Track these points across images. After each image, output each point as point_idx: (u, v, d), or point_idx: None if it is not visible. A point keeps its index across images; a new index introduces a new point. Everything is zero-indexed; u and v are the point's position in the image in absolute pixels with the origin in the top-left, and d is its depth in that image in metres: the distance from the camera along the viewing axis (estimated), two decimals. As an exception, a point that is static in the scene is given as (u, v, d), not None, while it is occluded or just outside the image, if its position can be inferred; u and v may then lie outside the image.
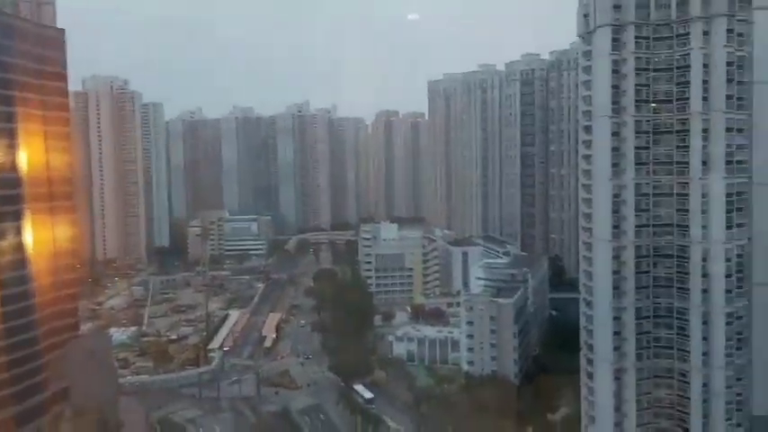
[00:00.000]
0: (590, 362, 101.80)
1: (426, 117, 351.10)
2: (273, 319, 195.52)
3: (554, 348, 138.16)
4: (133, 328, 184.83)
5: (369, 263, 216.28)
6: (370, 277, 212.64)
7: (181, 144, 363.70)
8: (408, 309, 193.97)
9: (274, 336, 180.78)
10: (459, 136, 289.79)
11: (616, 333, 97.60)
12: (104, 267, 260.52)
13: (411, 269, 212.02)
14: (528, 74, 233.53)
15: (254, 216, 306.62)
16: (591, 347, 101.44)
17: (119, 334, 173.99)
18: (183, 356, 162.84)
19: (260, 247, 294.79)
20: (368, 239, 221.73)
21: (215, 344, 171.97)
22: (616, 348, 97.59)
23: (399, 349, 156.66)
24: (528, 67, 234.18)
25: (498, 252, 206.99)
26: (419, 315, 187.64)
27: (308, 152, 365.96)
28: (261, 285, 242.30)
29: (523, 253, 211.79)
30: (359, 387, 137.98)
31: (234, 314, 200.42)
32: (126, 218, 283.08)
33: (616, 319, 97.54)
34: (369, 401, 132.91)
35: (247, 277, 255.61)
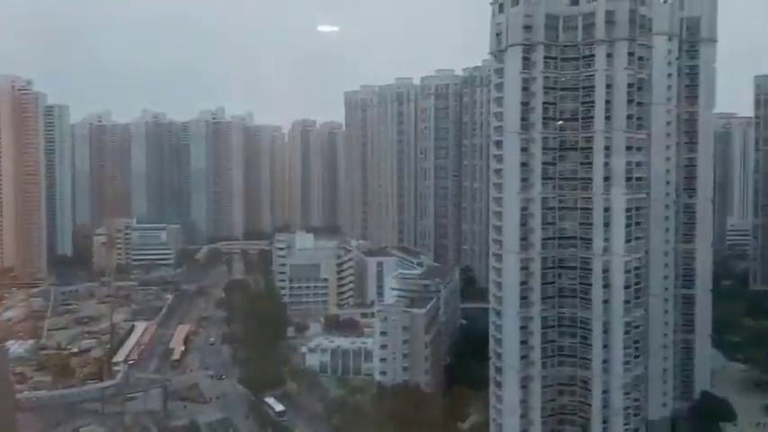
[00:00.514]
0: (498, 370, 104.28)
1: (343, 128, 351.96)
2: (182, 331, 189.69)
3: (464, 357, 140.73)
4: (31, 341, 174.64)
5: (283, 273, 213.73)
6: (283, 288, 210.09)
7: (87, 148, 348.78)
8: (322, 320, 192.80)
9: (183, 348, 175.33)
10: (375, 147, 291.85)
11: (523, 342, 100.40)
12: (0, 277, 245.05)
13: (326, 280, 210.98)
14: (442, 89, 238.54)
15: (164, 224, 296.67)
16: (499, 356, 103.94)
17: (16, 347, 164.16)
18: (86, 370, 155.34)
19: (169, 256, 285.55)
20: (282, 249, 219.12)
21: (120, 357, 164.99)
22: (523, 357, 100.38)
23: (312, 360, 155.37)
24: (442, 82, 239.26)
25: (412, 263, 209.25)
26: (333, 326, 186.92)
27: (223, 159, 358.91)
28: (169, 296, 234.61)
29: (437, 264, 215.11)
30: (270, 400, 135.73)
31: (140, 326, 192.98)
32: (26, 225, 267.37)
33: (523, 328, 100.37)
34: (280, 414, 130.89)
35: (155, 288, 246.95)
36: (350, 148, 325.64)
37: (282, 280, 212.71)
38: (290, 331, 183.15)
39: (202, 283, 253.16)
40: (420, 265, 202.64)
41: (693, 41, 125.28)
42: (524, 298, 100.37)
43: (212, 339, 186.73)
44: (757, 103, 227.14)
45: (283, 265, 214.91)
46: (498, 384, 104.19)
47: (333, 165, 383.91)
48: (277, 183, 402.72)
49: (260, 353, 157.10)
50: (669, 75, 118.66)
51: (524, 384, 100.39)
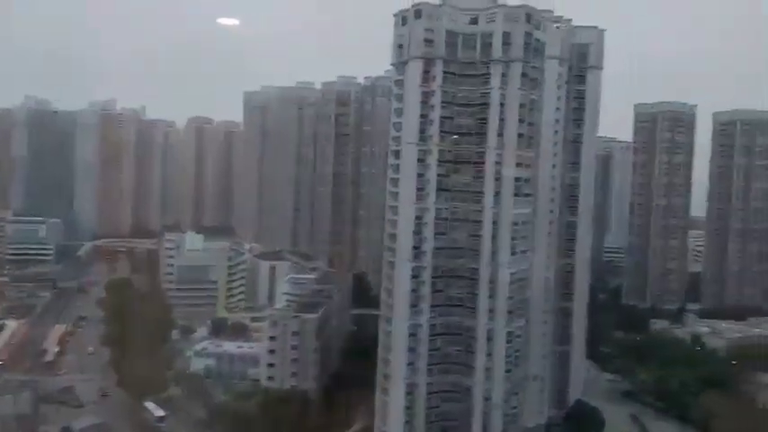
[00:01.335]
0: (386, 377, 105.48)
1: (241, 127, 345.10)
2: (58, 330, 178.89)
3: (353, 364, 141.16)
4: None
5: (170, 274, 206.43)
6: (170, 289, 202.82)
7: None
8: (209, 323, 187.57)
9: (57, 349, 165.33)
10: (273, 149, 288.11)
11: (411, 349, 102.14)
12: None
13: (215, 282, 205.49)
14: (344, 95, 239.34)
15: (43, 218, 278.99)
16: (387, 363, 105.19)
17: None
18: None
19: (47, 252, 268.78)
20: (171, 249, 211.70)
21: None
22: (410, 364, 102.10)
23: (197, 365, 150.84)
24: (344, 88, 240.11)
25: (306, 268, 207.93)
26: (221, 330, 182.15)
27: (111, 153, 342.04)
28: (45, 294, 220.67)
29: (331, 270, 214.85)
30: (150, 404, 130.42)
31: (11, 325, 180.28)
32: None
33: (411, 336, 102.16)
34: (160, 419, 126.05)
35: (30, 285, 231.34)
36: (247, 148, 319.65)
37: (169, 281, 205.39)
38: (175, 334, 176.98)
39: (83, 282, 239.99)
40: (314, 270, 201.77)
41: (582, 67, 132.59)
42: (414, 306, 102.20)
43: (90, 340, 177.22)
44: (636, 130, 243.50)
45: (171, 265, 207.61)
46: (385, 391, 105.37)
47: (228, 165, 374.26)
48: (168, 180, 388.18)
49: (141, 355, 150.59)
50: (558, 98, 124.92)
51: (410, 391, 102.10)
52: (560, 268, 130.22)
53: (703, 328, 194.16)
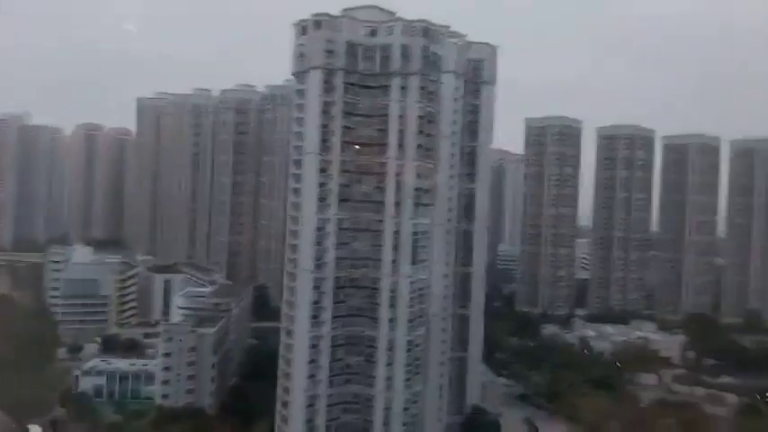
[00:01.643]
0: (286, 390, 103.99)
1: (134, 135, 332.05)
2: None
3: (253, 378, 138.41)
4: None
5: (56, 289, 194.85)
6: (56, 305, 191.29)
7: None
8: (99, 340, 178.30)
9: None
10: (168, 158, 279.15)
11: (312, 361, 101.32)
12: None
13: (106, 297, 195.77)
14: (243, 103, 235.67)
15: None
16: (288, 376, 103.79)
17: None
18: None
19: None
20: (57, 263, 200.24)
21: None
22: (311, 376, 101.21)
23: (86, 384, 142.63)
24: (243, 96, 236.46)
25: (203, 280, 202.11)
26: (112, 347, 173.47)
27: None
28: None
29: (229, 282, 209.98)
30: (34, 427, 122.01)
31: None
32: None
33: (313, 347, 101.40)
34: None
35: None
36: (140, 156, 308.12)
37: (55, 296, 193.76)
38: (62, 352, 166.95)
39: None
40: (212, 282, 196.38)
41: (476, 82, 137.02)
42: (315, 317, 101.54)
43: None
44: (527, 143, 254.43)
45: (57, 279, 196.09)
46: (285, 404, 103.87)
47: (120, 173, 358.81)
48: (55, 189, 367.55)
49: (24, 375, 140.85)
50: (455, 110, 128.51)
51: (311, 403, 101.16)
52: (458, 276, 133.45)
53: (590, 332, 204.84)
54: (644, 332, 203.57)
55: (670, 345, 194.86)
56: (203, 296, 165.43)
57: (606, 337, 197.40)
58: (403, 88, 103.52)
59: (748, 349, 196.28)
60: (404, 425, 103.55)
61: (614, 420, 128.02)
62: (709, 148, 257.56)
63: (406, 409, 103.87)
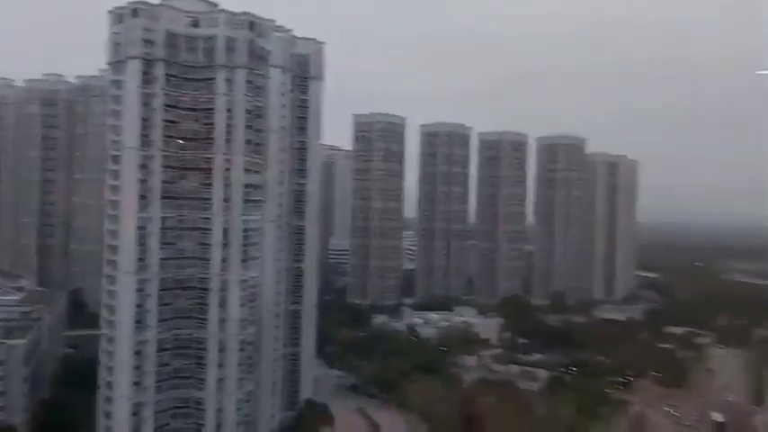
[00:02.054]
0: (108, 400, 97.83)
1: None
2: None
3: (70, 390, 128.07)
4: None
5: None
6: None
7: None
8: None
9: None
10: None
11: (137, 367, 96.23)
12: None
13: None
14: (52, 94, 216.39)
15: None
16: (110, 385, 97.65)
17: None
18: None
19: None
20: None
21: None
22: (136, 383, 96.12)
23: None
24: (52, 87, 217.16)
25: (9, 288, 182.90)
26: None
27: None
28: None
29: (40, 288, 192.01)
30: None
31: None
32: None
33: (137, 353, 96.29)
34: None
35: None
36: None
37: None
38: None
39: None
40: (19, 289, 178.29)
41: (304, 77, 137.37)
42: (139, 321, 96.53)
43: None
44: (355, 139, 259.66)
45: None
46: (108, 415, 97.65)
47: None
48: None
49: None
50: (283, 105, 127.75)
51: (136, 412, 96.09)
52: (290, 272, 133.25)
53: (417, 319, 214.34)
54: (465, 317, 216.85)
55: (488, 327, 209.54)
56: (10, 305, 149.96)
57: (432, 324, 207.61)
58: (229, 81, 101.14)
59: (554, 327, 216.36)
60: (237, 425, 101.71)
61: (441, 402, 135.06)
62: (518, 145, 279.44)
63: (238, 409, 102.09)
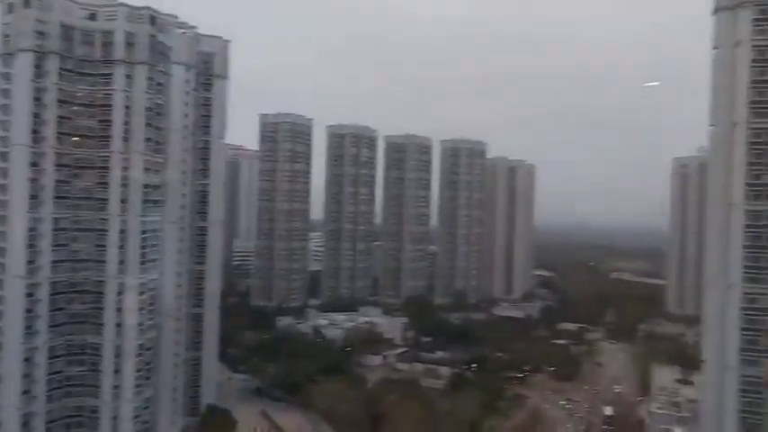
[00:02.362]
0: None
1: None
2: None
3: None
4: None
5: None
6: None
7: None
8: None
9: None
10: None
11: (26, 376, 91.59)
12: None
13: None
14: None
15: None
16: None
17: None
18: None
19: None
20: None
21: None
22: (25, 392, 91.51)
23: None
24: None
25: None
26: None
27: None
28: None
29: None
30: None
31: None
32: None
33: (26, 360, 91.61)
34: None
35: None
36: None
37: None
38: None
39: None
40: None
41: (208, 75, 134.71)
42: (29, 327, 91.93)
43: None
44: (262, 139, 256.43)
45: None
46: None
47: None
48: None
49: None
50: (186, 104, 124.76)
51: (26, 422, 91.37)
52: (192, 275, 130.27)
53: (323, 321, 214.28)
54: (370, 317, 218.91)
55: (393, 327, 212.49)
56: None
57: (337, 325, 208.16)
58: (128, 77, 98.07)
59: (456, 326, 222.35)
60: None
61: (345, 403, 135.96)
62: (423, 148, 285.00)
63: (136, 417, 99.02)
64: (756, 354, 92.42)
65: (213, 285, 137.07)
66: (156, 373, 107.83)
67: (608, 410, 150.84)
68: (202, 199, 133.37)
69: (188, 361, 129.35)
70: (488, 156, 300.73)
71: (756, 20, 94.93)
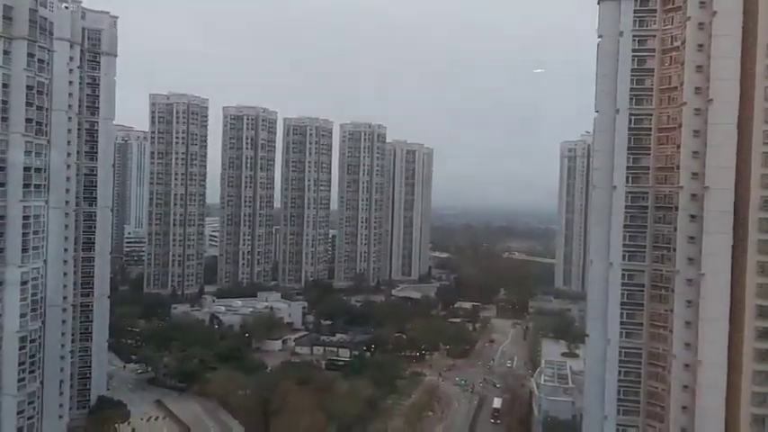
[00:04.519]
0: None
1: None
2: None
3: None
4: None
5: None
6: None
7: None
8: None
9: None
10: None
11: None
12: None
13: None
14: None
15: None
16: None
17: None
18: None
19: None
20: None
21: None
22: None
23: None
24: None
25: None
26: None
27: None
28: None
29: None
30: None
31: None
32: None
33: None
34: None
35: None
36: None
37: None
38: None
39: None
40: None
41: (95, 53, 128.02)
42: None
43: None
44: (152, 119, 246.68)
45: None
46: None
47: None
48: None
49: None
50: (71, 82, 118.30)
51: None
52: (79, 262, 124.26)
53: (220, 307, 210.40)
54: (269, 302, 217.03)
55: (293, 311, 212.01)
56: None
57: (235, 311, 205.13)
58: (6, 53, 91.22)
59: (356, 308, 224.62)
60: (18, 430, 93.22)
61: (242, 389, 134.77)
62: (323, 131, 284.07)
63: (20, 412, 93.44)
64: (635, 327, 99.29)
65: (102, 273, 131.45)
66: (42, 365, 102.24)
67: (498, 384, 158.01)
68: (90, 183, 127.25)
69: (77, 352, 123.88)
70: (388, 140, 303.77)
71: (637, 11, 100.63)
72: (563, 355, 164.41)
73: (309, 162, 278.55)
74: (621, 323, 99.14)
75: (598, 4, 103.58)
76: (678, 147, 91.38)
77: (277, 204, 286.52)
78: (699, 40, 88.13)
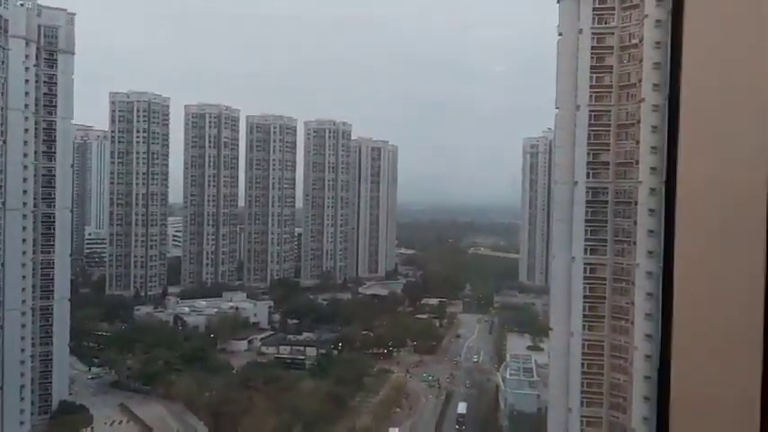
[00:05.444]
0: None
1: None
2: None
3: None
4: None
5: None
6: None
7: None
8: None
9: None
10: None
11: None
12: None
13: None
14: None
15: None
16: None
17: None
18: None
19: None
20: None
21: None
22: None
23: None
24: None
25: None
26: None
27: None
28: None
29: None
30: None
31: None
32: None
33: None
34: None
35: None
36: None
37: None
38: None
39: None
40: None
41: (52, 50, 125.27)
42: None
43: None
44: (113, 118, 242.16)
45: None
46: None
47: None
48: None
49: None
50: (27, 81, 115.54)
51: None
52: (38, 265, 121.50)
53: (184, 308, 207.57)
54: (235, 302, 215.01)
55: (259, 311, 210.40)
56: None
57: (200, 311, 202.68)
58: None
59: (323, 306, 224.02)
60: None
61: (207, 390, 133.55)
62: (287, 128, 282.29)
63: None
64: (597, 320, 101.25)
65: (63, 275, 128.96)
66: (1, 370, 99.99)
67: (465, 381, 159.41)
68: (48, 183, 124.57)
69: (37, 356, 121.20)
70: (353, 137, 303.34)
71: (596, 9, 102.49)
72: (528, 348, 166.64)
73: (273, 160, 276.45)
74: (584, 316, 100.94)
75: (558, 2, 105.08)
76: (637, 142, 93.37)
77: (241, 203, 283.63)
78: (656, 37, 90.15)
